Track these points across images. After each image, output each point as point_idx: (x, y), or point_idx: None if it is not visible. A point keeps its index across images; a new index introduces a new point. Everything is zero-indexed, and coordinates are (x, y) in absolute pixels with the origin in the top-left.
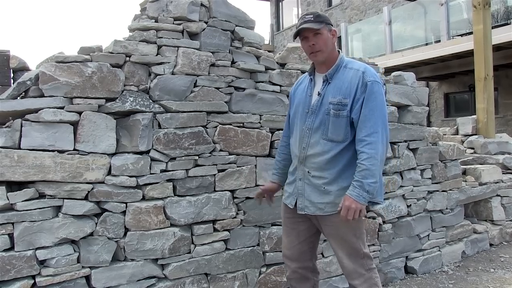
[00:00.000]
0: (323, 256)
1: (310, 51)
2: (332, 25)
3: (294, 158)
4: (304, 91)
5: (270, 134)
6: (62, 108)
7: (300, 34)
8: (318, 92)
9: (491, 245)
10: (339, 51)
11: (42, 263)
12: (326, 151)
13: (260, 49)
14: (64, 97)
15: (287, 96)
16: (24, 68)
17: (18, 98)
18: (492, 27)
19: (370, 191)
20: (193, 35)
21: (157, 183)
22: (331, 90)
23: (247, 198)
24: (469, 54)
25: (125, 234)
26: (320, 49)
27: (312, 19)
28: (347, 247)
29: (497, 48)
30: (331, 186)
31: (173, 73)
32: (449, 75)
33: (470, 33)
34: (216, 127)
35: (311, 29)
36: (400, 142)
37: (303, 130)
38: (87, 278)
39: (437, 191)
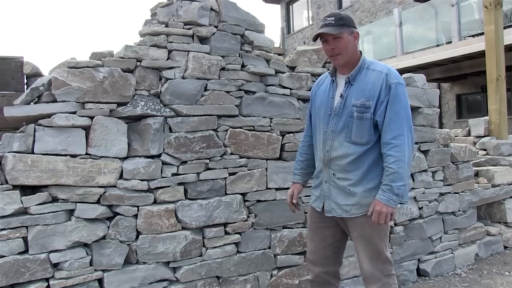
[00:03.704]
0: None
1: (329, 54)
2: (355, 27)
3: (319, 161)
4: (326, 93)
5: (281, 137)
6: (74, 113)
7: (320, 37)
8: (341, 94)
9: (505, 247)
10: (360, 52)
11: (56, 266)
12: (350, 154)
13: (270, 52)
14: (76, 102)
15: (297, 99)
16: (37, 74)
17: (32, 103)
18: (504, 27)
19: (400, 194)
20: (203, 40)
21: (168, 186)
22: (354, 92)
23: (258, 201)
24: (481, 55)
25: (137, 237)
26: (339, 52)
27: (333, 22)
28: (371, 249)
29: (509, 48)
30: (356, 187)
31: (183, 77)
32: (461, 76)
33: (482, 33)
34: (226, 130)
35: (330, 34)
36: None
37: (326, 132)
38: (100, 281)
39: (449, 193)
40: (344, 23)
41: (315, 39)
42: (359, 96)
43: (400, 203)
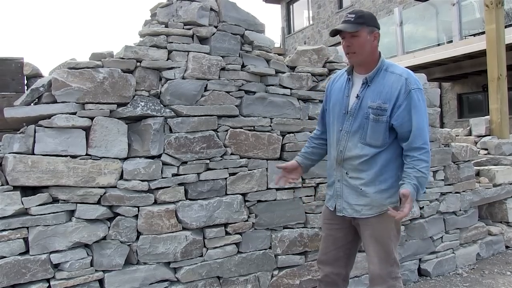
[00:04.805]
0: None
1: (346, 51)
2: (376, 27)
3: (332, 159)
4: (341, 91)
5: (281, 137)
6: (74, 113)
7: (339, 32)
8: (357, 94)
9: (507, 247)
10: (380, 53)
11: (56, 266)
12: (364, 155)
13: (270, 52)
14: (76, 103)
15: (298, 99)
16: (37, 75)
17: (32, 104)
18: (506, 26)
19: (417, 199)
20: (203, 40)
21: (168, 187)
22: (370, 94)
23: (259, 201)
24: (482, 54)
25: (137, 237)
26: (354, 51)
27: (353, 19)
28: (381, 250)
29: (510, 47)
30: (368, 187)
31: (183, 78)
32: (462, 76)
33: (483, 32)
34: (227, 130)
35: (346, 31)
36: None
37: (341, 132)
38: (101, 281)
39: (450, 192)
40: (364, 21)
41: (332, 34)
42: (375, 98)
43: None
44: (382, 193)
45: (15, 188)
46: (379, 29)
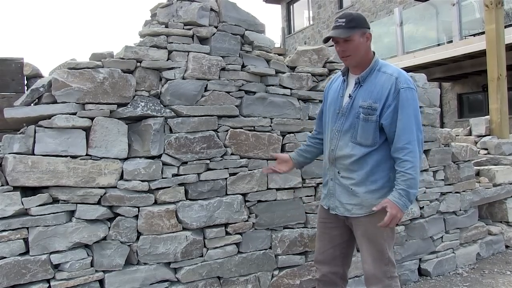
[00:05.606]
0: None
1: (340, 55)
2: (367, 28)
3: (326, 158)
4: (337, 91)
5: (281, 137)
6: (74, 114)
7: (332, 38)
8: (350, 94)
9: (507, 247)
10: (374, 53)
11: (57, 267)
12: (354, 154)
13: (270, 52)
14: (77, 103)
15: (298, 99)
16: (37, 75)
17: (32, 104)
18: (505, 26)
19: (412, 201)
20: (203, 40)
21: (169, 187)
22: (362, 94)
23: (259, 201)
24: (482, 54)
25: (137, 238)
26: (350, 54)
27: (344, 24)
28: (374, 249)
29: (510, 47)
30: (358, 187)
31: (183, 78)
32: (462, 76)
33: (483, 32)
34: (227, 131)
35: (340, 37)
36: None
37: (333, 131)
38: (101, 282)
39: (450, 192)
40: (355, 25)
41: (325, 41)
42: (366, 98)
43: None
44: (372, 193)
45: (15, 188)
46: (369, 29)
